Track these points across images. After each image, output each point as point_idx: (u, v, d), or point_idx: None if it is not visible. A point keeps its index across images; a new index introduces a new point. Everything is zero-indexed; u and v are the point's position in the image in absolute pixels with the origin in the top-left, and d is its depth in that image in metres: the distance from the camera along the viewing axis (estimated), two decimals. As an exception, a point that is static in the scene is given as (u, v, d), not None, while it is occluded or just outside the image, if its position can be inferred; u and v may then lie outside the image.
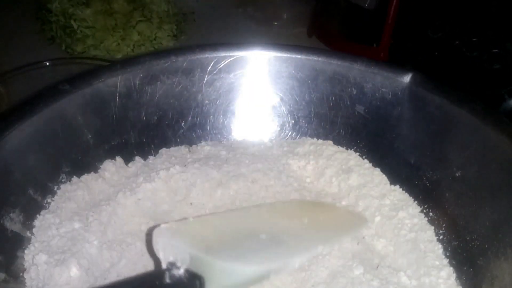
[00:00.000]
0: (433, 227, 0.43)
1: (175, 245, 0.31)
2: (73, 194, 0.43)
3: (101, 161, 0.47)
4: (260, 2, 0.97)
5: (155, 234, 0.33)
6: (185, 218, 0.36)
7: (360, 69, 0.49)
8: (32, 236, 0.40)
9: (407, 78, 0.47)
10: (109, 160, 0.48)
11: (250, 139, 0.54)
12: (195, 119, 0.52)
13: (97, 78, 0.46)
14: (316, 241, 0.34)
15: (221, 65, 0.51)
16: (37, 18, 0.86)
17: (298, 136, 0.53)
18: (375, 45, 0.71)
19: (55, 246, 0.39)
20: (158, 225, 0.33)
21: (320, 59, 0.51)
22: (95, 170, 0.47)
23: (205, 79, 0.51)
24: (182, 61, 0.49)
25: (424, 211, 0.45)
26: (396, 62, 0.62)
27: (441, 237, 0.43)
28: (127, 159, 0.49)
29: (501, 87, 0.58)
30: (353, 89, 0.50)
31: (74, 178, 0.45)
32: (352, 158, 0.50)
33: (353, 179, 0.48)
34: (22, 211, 0.40)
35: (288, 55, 0.51)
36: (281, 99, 0.53)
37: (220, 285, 0.30)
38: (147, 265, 0.40)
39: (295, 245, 0.33)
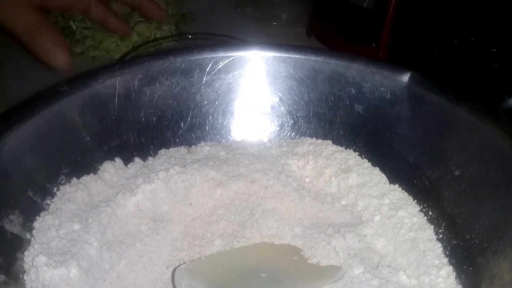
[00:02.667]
0: (432, 226, 0.43)
1: (194, 285, 0.36)
2: (73, 196, 0.43)
3: (100, 162, 0.47)
4: (259, 2, 0.97)
5: (177, 275, 0.37)
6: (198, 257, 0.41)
7: (359, 69, 0.49)
8: (32, 238, 0.40)
9: (405, 78, 0.47)
10: (108, 161, 0.48)
11: (249, 139, 0.54)
12: (194, 119, 0.52)
13: (96, 79, 0.46)
14: (306, 282, 0.39)
15: (220, 66, 0.51)
16: (36, 19, 0.86)
17: (297, 136, 0.53)
18: (374, 45, 0.72)
19: (54, 248, 0.39)
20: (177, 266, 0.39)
21: (318, 58, 0.51)
22: (95, 171, 0.47)
23: (204, 79, 0.51)
24: (181, 61, 0.49)
25: (424, 210, 0.45)
26: (395, 62, 0.62)
27: (441, 236, 0.43)
28: (127, 160, 0.49)
29: (500, 87, 0.58)
30: (352, 88, 0.50)
31: (74, 180, 0.45)
32: (351, 158, 0.50)
33: (352, 178, 0.48)
34: (22, 212, 0.40)
35: (287, 55, 0.51)
36: (280, 99, 0.53)
37: None
38: (146, 266, 0.40)
39: (291, 285, 0.38)
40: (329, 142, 0.52)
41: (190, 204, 0.45)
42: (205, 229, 0.43)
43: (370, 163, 0.49)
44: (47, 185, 0.43)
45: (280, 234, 0.43)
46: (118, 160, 0.48)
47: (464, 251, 0.41)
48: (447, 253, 0.41)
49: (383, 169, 0.49)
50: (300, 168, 0.50)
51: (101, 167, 0.47)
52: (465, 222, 0.41)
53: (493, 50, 0.59)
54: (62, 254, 0.38)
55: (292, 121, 0.53)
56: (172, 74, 0.49)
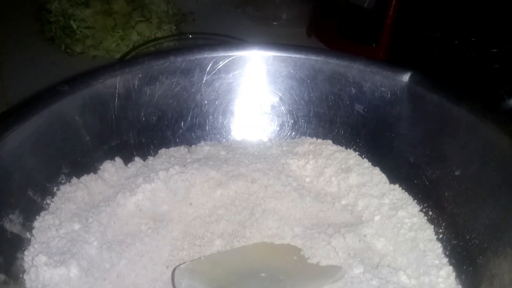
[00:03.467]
0: (432, 226, 0.43)
1: (194, 285, 0.36)
2: (73, 195, 0.43)
3: (101, 162, 0.47)
4: (259, 2, 0.97)
5: (177, 274, 0.37)
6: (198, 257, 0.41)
7: (359, 69, 0.49)
8: (32, 237, 0.40)
9: (406, 77, 0.47)
10: (109, 161, 0.48)
11: (250, 139, 0.54)
12: (194, 119, 0.52)
13: (96, 79, 0.46)
14: (306, 282, 0.39)
15: (220, 65, 0.51)
16: (37, 18, 0.86)
17: (297, 136, 0.53)
18: (374, 45, 0.72)
19: (54, 247, 0.39)
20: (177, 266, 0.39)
21: (319, 58, 0.51)
22: (95, 171, 0.47)
23: (204, 79, 0.51)
24: (181, 61, 0.49)
25: (424, 210, 0.45)
26: (395, 62, 0.62)
27: (441, 236, 0.43)
28: (127, 160, 0.49)
29: (500, 87, 0.58)
30: (352, 88, 0.50)
31: (74, 179, 0.45)
32: (351, 157, 0.50)
33: (352, 178, 0.48)
34: (22, 212, 0.40)
35: (287, 54, 0.51)
36: (280, 98, 0.53)
37: None
38: (146, 266, 0.40)
39: (291, 285, 0.38)
40: (329, 141, 0.52)
41: (190, 203, 0.45)
42: (205, 229, 0.43)
43: (370, 163, 0.49)
44: (47, 184, 0.43)
45: (280, 234, 0.43)
46: (118, 160, 0.48)
47: (464, 251, 0.41)
48: (447, 253, 0.41)
49: (383, 169, 0.49)
50: (300, 168, 0.50)
51: (101, 167, 0.47)
52: (465, 222, 0.41)
53: (493, 50, 0.59)
54: (62, 254, 0.38)
55: (292, 121, 0.53)
56: (172, 73, 0.49)
